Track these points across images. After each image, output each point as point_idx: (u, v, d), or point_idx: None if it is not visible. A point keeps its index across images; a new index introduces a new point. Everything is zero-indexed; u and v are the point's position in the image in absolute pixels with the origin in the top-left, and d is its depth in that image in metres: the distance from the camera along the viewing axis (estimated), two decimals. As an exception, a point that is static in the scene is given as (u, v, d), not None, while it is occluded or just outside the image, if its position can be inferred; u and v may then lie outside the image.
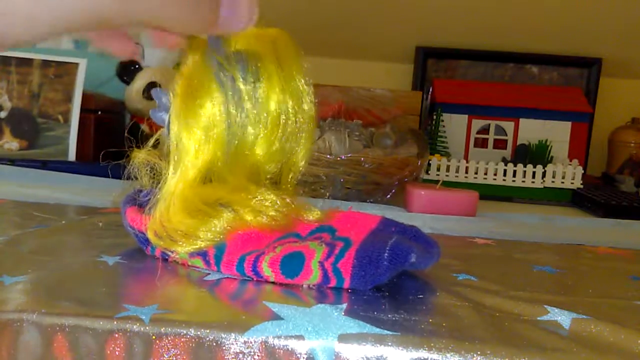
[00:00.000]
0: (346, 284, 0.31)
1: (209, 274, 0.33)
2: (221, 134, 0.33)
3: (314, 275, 0.31)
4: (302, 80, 0.36)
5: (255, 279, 0.32)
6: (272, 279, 0.31)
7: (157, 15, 0.23)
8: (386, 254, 0.30)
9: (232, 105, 0.33)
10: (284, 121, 0.35)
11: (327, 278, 0.31)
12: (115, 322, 0.25)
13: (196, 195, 0.33)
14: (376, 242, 0.32)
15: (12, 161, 0.78)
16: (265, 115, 0.34)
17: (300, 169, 0.38)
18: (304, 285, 0.31)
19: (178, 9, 0.24)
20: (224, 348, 0.24)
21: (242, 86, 0.34)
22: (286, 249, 0.32)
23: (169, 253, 0.34)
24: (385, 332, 0.25)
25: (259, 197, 0.34)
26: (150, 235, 0.34)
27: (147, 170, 0.35)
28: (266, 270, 0.31)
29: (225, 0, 0.27)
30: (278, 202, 0.34)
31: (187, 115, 0.33)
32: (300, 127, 0.36)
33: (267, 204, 0.34)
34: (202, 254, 0.33)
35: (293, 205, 0.35)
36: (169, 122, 0.34)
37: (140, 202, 0.37)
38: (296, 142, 0.36)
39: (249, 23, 0.28)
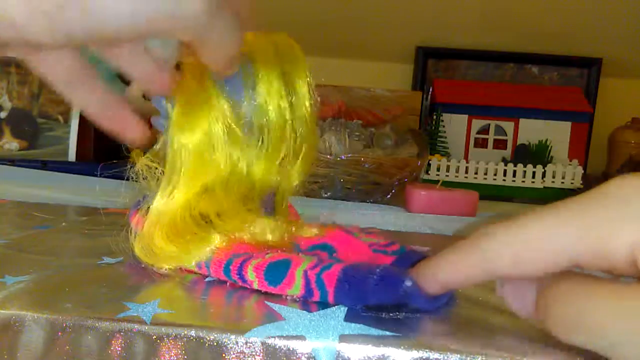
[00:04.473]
0: (330, 297, 0.28)
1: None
2: (221, 153, 0.32)
3: (297, 285, 0.29)
4: (307, 86, 0.33)
5: (240, 284, 0.31)
6: (255, 285, 0.30)
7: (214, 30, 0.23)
8: (377, 271, 0.28)
9: (232, 120, 0.32)
10: (286, 135, 0.33)
11: (310, 290, 0.28)
12: (116, 323, 0.25)
13: (187, 214, 0.32)
14: (371, 264, 0.29)
15: (12, 161, 0.78)
16: (266, 129, 0.32)
17: (295, 188, 0.35)
18: (287, 297, 0.29)
19: (225, 31, 0.24)
20: (225, 348, 0.24)
21: (241, 97, 0.32)
22: (276, 256, 0.31)
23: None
24: (387, 331, 0.25)
25: (255, 225, 0.32)
26: (136, 249, 0.33)
27: (152, 174, 0.33)
28: (250, 275, 0.30)
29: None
30: (276, 228, 0.32)
31: (187, 128, 0.31)
32: (301, 140, 0.34)
33: (265, 231, 0.32)
34: None
35: (293, 229, 0.34)
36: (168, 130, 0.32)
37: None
38: (295, 159, 0.34)
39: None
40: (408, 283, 0.27)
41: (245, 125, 0.32)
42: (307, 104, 0.34)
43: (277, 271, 0.29)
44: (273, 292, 0.29)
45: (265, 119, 0.33)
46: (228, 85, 0.32)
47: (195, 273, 0.33)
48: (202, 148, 0.32)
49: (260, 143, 0.33)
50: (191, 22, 0.21)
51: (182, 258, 0.32)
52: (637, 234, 0.18)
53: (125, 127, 0.28)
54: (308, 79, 0.34)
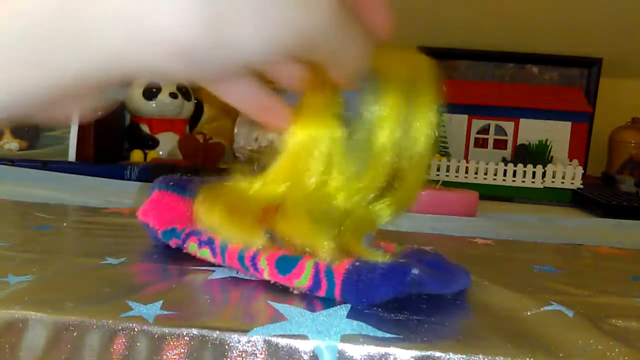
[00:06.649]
0: (337, 291, 0.28)
1: (214, 271, 0.33)
2: (315, 164, 0.28)
3: (305, 275, 0.29)
4: (428, 121, 0.29)
5: (251, 271, 0.31)
6: (265, 273, 0.30)
7: (346, 49, 0.21)
8: (383, 264, 0.28)
9: (340, 135, 0.28)
10: (387, 168, 0.29)
11: (318, 280, 0.28)
12: (119, 322, 0.25)
13: (256, 207, 0.29)
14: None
15: (12, 161, 0.78)
16: (370, 156, 0.29)
17: (378, 225, 0.31)
18: (294, 291, 0.30)
19: (359, 45, 0.22)
20: (227, 347, 0.24)
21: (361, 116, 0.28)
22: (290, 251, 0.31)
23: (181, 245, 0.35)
24: (388, 331, 0.25)
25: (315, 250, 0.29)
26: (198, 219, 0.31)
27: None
28: (262, 262, 0.30)
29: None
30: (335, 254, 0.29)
31: (296, 128, 0.28)
32: (404, 178, 0.30)
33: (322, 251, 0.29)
34: (210, 243, 0.33)
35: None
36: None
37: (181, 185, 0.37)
38: (390, 197, 0.31)
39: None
40: (415, 271, 0.27)
41: (350, 144, 0.29)
42: (423, 139, 0.29)
43: (288, 261, 0.30)
44: (281, 281, 0.30)
45: (370, 144, 0.29)
46: (346, 98, 0.29)
47: (204, 267, 0.34)
48: (297, 152, 0.29)
49: (358, 169, 0.29)
50: (321, 34, 0.19)
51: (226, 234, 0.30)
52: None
53: (276, 117, 0.27)
54: (431, 113, 0.29)
